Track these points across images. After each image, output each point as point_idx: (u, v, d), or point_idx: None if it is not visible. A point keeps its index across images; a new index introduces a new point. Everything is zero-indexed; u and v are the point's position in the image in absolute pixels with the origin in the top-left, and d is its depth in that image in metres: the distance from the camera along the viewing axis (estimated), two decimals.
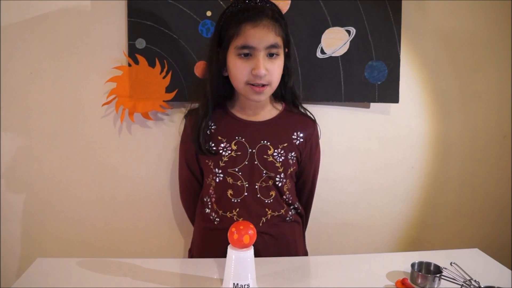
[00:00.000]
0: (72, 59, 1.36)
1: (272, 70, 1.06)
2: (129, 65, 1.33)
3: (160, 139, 1.43)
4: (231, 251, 0.90)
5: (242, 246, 0.89)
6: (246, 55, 1.05)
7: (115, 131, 1.41)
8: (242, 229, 0.88)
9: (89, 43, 1.36)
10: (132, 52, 1.33)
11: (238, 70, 1.06)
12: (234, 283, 0.89)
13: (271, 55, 1.06)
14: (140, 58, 1.33)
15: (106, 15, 1.34)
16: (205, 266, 1.05)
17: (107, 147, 1.42)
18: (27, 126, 1.39)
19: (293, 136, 1.16)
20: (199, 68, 1.35)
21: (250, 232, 0.89)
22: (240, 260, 0.89)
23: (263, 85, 1.07)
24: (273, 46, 1.05)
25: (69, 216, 1.45)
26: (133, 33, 1.32)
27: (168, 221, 1.48)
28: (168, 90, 1.34)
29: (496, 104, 1.56)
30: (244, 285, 0.89)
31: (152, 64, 1.33)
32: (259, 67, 1.04)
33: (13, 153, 1.40)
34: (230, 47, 1.07)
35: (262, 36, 1.03)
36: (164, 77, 1.34)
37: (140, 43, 1.33)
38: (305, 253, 1.30)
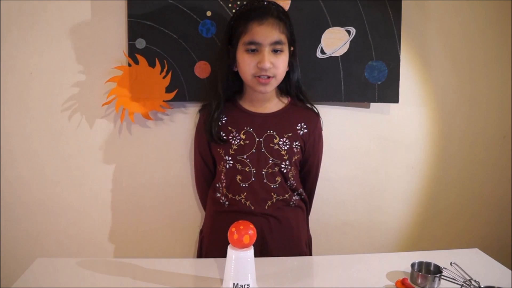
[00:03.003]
0: (72, 59, 1.36)
1: (276, 64, 1.16)
2: (129, 65, 1.33)
3: (160, 139, 1.43)
4: (231, 251, 0.90)
5: (242, 246, 0.89)
6: (253, 50, 1.15)
7: (115, 131, 1.41)
8: (242, 229, 0.88)
9: (89, 43, 1.36)
10: (132, 52, 1.33)
11: (246, 64, 1.16)
12: (234, 283, 0.89)
13: (275, 51, 1.16)
14: (140, 58, 1.33)
15: (106, 15, 1.34)
16: (205, 266, 1.05)
17: (107, 147, 1.42)
18: (27, 126, 1.39)
19: (297, 127, 1.25)
20: (199, 68, 1.35)
21: (250, 232, 0.89)
22: (240, 260, 0.89)
23: (269, 77, 1.16)
24: (277, 42, 1.15)
25: (69, 216, 1.45)
26: (133, 33, 1.32)
27: (169, 221, 1.48)
28: (168, 90, 1.34)
29: (496, 104, 1.56)
30: (244, 285, 0.89)
31: (152, 64, 1.33)
32: (264, 61, 1.13)
33: (13, 153, 1.40)
34: (239, 43, 1.17)
35: (267, 33, 1.14)
36: (164, 77, 1.34)
37: (140, 43, 1.33)
38: (308, 238, 1.37)
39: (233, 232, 0.88)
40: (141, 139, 1.43)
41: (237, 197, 1.22)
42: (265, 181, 1.21)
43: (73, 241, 1.46)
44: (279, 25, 1.15)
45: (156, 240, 1.49)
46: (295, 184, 1.26)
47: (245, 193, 1.22)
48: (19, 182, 1.41)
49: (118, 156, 1.43)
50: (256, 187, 1.21)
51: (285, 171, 1.22)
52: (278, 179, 1.22)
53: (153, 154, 1.44)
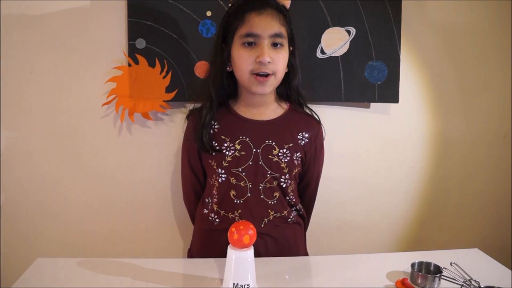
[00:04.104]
0: (72, 59, 1.36)
1: (276, 60, 1.06)
2: (129, 65, 1.33)
3: (160, 139, 1.43)
4: (231, 251, 0.89)
5: (242, 246, 0.88)
6: (250, 44, 1.05)
7: (115, 131, 1.41)
8: (242, 229, 0.88)
9: (89, 43, 1.36)
10: (132, 52, 1.33)
11: (243, 60, 1.06)
12: (234, 283, 0.89)
13: (275, 45, 1.06)
14: (140, 58, 1.33)
15: (106, 15, 1.34)
16: (205, 266, 1.05)
17: (107, 147, 1.42)
18: (27, 126, 1.39)
19: (298, 136, 1.15)
20: (199, 68, 1.35)
21: (250, 232, 0.88)
22: (240, 260, 0.89)
23: (268, 75, 1.06)
24: (277, 35, 1.05)
25: (69, 216, 1.45)
26: (133, 33, 1.32)
27: (168, 221, 1.48)
28: (168, 90, 1.34)
29: (496, 104, 1.56)
30: (244, 285, 0.89)
31: (152, 64, 1.33)
32: (263, 54, 1.03)
33: (13, 153, 1.40)
34: (235, 37, 1.07)
35: (266, 24, 1.04)
36: (164, 77, 1.34)
37: (140, 43, 1.33)
38: (305, 255, 1.29)
39: (233, 232, 0.88)
40: (141, 139, 1.43)
41: (230, 215, 1.11)
42: (262, 196, 1.10)
43: (73, 241, 1.46)
44: (279, 16, 1.06)
45: (156, 240, 1.49)
46: (293, 200, 1.17)
47: (239, 211, 1.11)
48: (19, 182, 1.41)
49: (118, 156, 1.43)
50: (252, 204, 1.10)
51: (284, 185, 1.12)
52: (277, 194, 1.12)
53: (153, 154, 1.44)
